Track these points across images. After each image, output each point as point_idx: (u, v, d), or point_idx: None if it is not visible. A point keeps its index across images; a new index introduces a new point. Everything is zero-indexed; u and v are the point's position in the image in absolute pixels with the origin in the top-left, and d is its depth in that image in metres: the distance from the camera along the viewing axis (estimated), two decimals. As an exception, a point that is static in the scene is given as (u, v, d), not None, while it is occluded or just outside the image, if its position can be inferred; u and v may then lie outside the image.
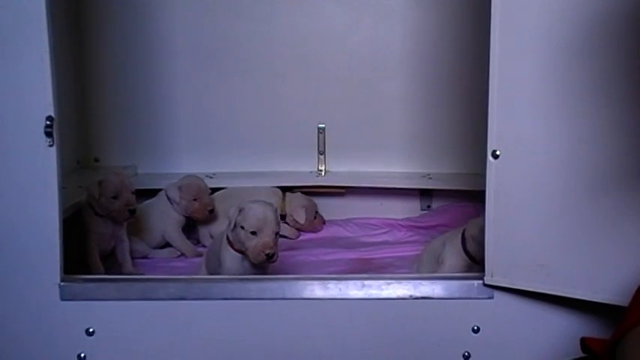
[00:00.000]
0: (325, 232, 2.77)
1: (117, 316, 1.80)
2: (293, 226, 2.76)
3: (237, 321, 1.80)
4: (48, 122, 1.70)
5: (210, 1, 2.89)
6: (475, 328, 1.78)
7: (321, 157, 2.93)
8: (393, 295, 1.79)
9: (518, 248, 1.70)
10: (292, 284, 1.81)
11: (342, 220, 2.82)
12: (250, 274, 1.97)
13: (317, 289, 1.80)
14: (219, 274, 2.02)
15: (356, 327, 1.80)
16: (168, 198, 2.56)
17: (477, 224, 1.96)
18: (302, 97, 2.93)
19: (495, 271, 1.73)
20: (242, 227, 1.95)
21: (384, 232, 2.77)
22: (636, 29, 1.51)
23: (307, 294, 1.80)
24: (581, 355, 1.39)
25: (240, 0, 2.90)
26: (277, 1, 2.91)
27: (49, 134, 1.70)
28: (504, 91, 1.66)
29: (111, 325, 1.80)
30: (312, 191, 2.83)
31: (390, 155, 2.94)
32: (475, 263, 1.97)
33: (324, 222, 2.82)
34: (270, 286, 1.81)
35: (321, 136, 2.93)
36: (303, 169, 2.93)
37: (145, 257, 2.48)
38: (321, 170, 2.93)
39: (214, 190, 2.68)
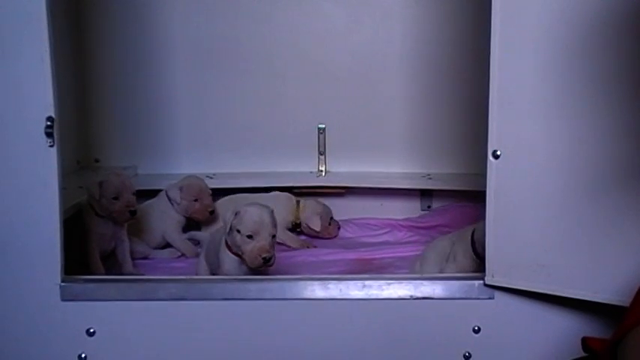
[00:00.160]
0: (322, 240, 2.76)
1: (117, 317, 1.80)
2: (308, 234, 2.73)
3: (237, 321, 1.80)
4: (48, 123, 1.70)
5: (210, 2, 2.89)
6: (476, 328, 1.78)
7: (322, 157, 2.93)
8: (394, 296, 1.79)
9: (519, 248, 1.70)
10: (292, 285, 1.81)
11: (342, 221, 2.82)
12: None
13: (317, 290, 1.80)
14: (218, 271, 2.02)
15: (356, 327, 1.80)
16: (169, 198, 2.56)
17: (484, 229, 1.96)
18: (302, 97, 2.93)
19: (496, 271, 1.73)
20: (238, 231, 1.93)
21: (385, 233, 2.77)
22: (636, 29, 1.51)
23: (308, 294, 1.80)
24: (582, 354, 1.38)
25: (240, 0, 2.90)
26: (277, 1, 2.91)
27: (49, 135, 1.70)
28: (505, 91, 1.66)
29: (111, 325, 1.80)
30: (312, 192, 2.82)
31: (391, 155, 2.94)
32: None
33: (339, 227, 2.78)
34: (271, 286, 1.81)
35: (321, 136, 2.93)
36: (304, 169, 2.93)
37: (145, 258, 2.47)
38: (321, 170, 2.93)
39: (215, 190, 2.68)
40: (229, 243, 1.98)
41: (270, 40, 2.91)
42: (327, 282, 1.80)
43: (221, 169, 2.91)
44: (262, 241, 1.91)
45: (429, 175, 2.89)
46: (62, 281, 1.78)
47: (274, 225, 1.95)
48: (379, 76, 2.91)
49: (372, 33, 2.91)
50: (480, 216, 1.83)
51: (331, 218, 2.75)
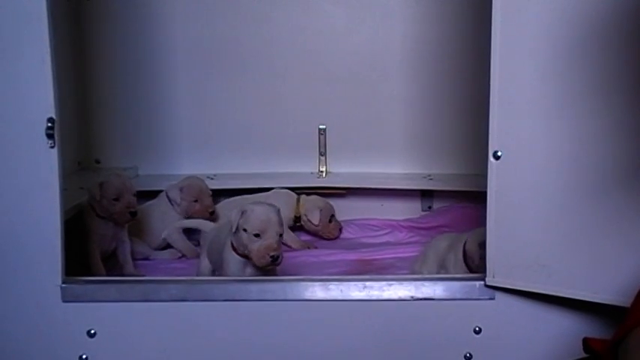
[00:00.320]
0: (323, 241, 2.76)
1: (118, 318, 1.80)
2: (308, 230, 2.73)
3: (238, 322, 1.80)
4: (49, 124, 1.70)
5: (210, 2, 2.89)
6: (477, 328, 1.78)
7: (322, 158, 2.93)
8: (395, 296, 1.79)
9: (520, 249, 1.70)
10: (293, 285, 1.81)
11: (342, 221, 2.81)
12: None
13: (318, 291, 1.79)
14: (221, 270, 2.02)
15: (357, 328, 1.80)
16: (169, 199, 2.56)
17: (475, 241, 1.96)
18: (303, 98, 2.93)
19: (497, 271, 1.73)
20: (244, 230, 1.91)
21: (385, 233, 2.77)
22: (637, 29, 1.51)
23: (308, 295, 1.80)
24: (583, 355, 1.38)
25: (240, 0, 2.90)
26: (277, 2, 2.91)
27: (50, 136, 1.70)
28: (505, 92, 1.66)
29: (112, 326, 1.80)
30: (312, 192, 2.82)
31: (391, 156, 2.94)
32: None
33: (340, 228, 2.77)
34: (272, 287, 1.81)
35: (321, 137, 2.93)
36: (304, 170, 2.93)
37: (146, 259, 2.48)
38: (322, 171, 2.93)
39: (215, 191, 2.68)
40: (235, 243, 1.97)
41: (271, 41, 2.91)
42: (328, 283, 1.80)
43: (222, 169, 2.91)
44: (269, 239, 1.89)
45: (429, 175, 2.89)
46: (63, 282, 1.78)
47: (281, 224, 1.94)
48: (380, 76, 2.91)
49: (372, 33, 2.91)
50: (481, 217, 1.83)
51: (332, 216, 2.74)
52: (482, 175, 1.73)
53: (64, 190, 1.82)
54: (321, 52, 2.92)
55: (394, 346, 1.79)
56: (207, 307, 1.79)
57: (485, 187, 1.71)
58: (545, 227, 1.67)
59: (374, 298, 1.79)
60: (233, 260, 1.97)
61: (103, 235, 2.27)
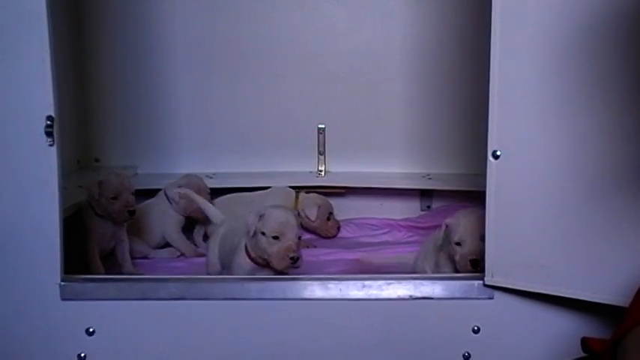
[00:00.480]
0: (322, 239, 2.76)
1: (117, 316, 1.80)
2: (306, 226, 2.70)
3: (237, 321, 1.80)
4: (48, 122, 1.70)
5: (211, 2, 2.90)
6: (475, 328, 1.78)
7: (321, 157, 2.94)
8: (394, 296, 1.79)
9: (519, 248, 1.70)
10: (292, 284, 1.81)
11: (341, 221, 2.82)
12: None
13: (317, 290, 1.80)
14: (232, 270, 2.01)
15: (356, 327, 1.80)
16: (168, 197, 2.56)
17: (457, 217, 1.98)
18: (302, 97, 2.93)
19: (496, 271, 1.73)
20: (263, 233, 1.90)
21: (384, 233, 2.77)
22: (637, 29, 1.51)
23: (307, 294, 1.80)
24: (582, 355, 1.39)
25: (240, 0, 2.90)
26: (278, 2, 2.91)
27: (49, 134, 1.70)
28: (505, 92, 1.66)
29: (111, 324, 1.80)
30: (312, 192, 2.82)
31: (390, 155, 2.94)
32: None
33: (339, 226, 2.77)
34: (271, 286, 1.81)
35: (321, 136, 2.93)
36: (303, 169, 2.93)
37: (145, 257, 2.47)
38: (320, 170, 2.93)
39: (215, 190, 2.68)
40: (252, 247, 1.94)
41: (271, 41, 2.91)
42: (326, 282, 1.80)
43: (221, 168, 2.92)
44: (288, 241, 1.88)
45: (428, 175, 2.89)
46: (62, 280, 1.78)
47: (299, 226, 1.93)
48: (379, 76, 2.92)
49: (372, 33, 2.92)
50: (480, 217, 1.83)
51: (330, 214, 2.74)
52: (482, 175, 1.73)
53: (64, 189, 1.81)
54: (321, 52, 2.92)
55: (393, 345, 1.79)
56: (206, 305, 1.80)
57: (485, 186, 1.71)
58: (544, 227, 1.67)
59: (373, 297, 1.79)
60: (244, 266, 1.96)
61: (101, 234, 2.27)
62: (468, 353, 1.79)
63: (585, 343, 1.36)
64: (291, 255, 1.87)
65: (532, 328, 1.76)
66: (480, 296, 1.77)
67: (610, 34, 1.54)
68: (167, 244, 2.57)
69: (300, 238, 1.92)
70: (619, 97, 1.55)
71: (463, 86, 2.83)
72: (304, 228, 2.71)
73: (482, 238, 1.84)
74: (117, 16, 2.88)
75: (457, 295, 1.78)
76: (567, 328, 1.73)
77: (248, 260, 1.96)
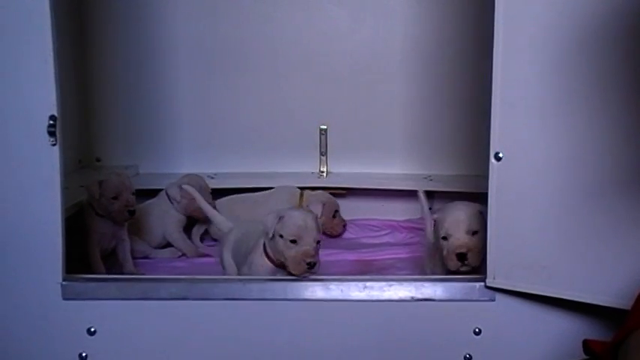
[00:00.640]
0: (324, 237, 2.75)
1: (118, 316, 1.80)
2: None
3: (238, 321, 1.80)
4: (51, 121, 1.70)
5: (212, 2, 2.90)
6: (476, 330, 1.78)
7: (323, 158, 2.94)
8: (395, 297, 1.79)
9: (520, 250, 1.70)
10: (294, 285, 1.81)
11: (343, 221, 2.82)
12: None
13: (318, 290, 1.80)
14: (248, 271, 1.99)
15: (357, 328, 1.80)
16: (169, 197, 2.56)
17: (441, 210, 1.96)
18: (304, 98, 2.94)
19: (497, 273, 1.73)
20: (281, 236, 1.87)
21: (385, 234, 2.77)
22: (638, 32, 1.51)
23: (309, 295, 1.80)
24: (583, 357, 1.39)
25: (242, 1, 2.90)
26: (279, 2, 2.91)
27: (51, 133, 1.70)
28: (507, 93, 1.66)
29: (112, 324, 1.80)
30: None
31: (392, 156, 2.94)
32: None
33: (344, 225, 2.76)
34: (272, 286, 1.81)
35: (322, 137, 2.93)
36: (305, 170, 2.93)
37: (146, 257, 2.48)
38: (322, 171, 2.94)
39: (216, 190, 2.68)
40: (270, 250, 1.92)
41: (273, 41, 2.91)
42: (328, 283, 1.80)
43: (222, 169, 2.92)
44: (306, 246, 1.84)
45: (430, 176, 2.89)
46: (63, 280, 1.78)
47: (319, 230, 1.89)
48: (381, 77, 2.92)
49: (373, 34, 2.92)
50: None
51: (336, 212, 2.73)
52: (483, 176, 1.73)
53: (65, 189, 1.82)
54: (323, 53, 2.92)
55: (394, 346, 1.79)
56: (207, 305, 1.80)
57: (486, 188, 1.71)
58: (546, 229, 1.67)
59: (374, 298, 1.79)
60: (264, 267, 1.93)
61: (102, 234, 2.27)
62: (469, 355, 1.79)
63: (587, 345, 1.36)
64: (309, 260, 1.82)
65: (533, 330, 1.76)
66: (481, 298, 1.77)
67: (612, 36, 1.54)
68: (168, 244, 2.57)
69: (318, 242, 1.88)
70: (621, 99, 1.55)
71: (465, 87, 2.83)
72: None
73: (470, 232, 1.86)
74: (119, 16, 2.89)
75: (458, 296, 1.78)
76: (568, 330, 1.73)
77: (267, 261, 1.93)
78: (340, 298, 1.79)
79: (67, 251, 1.80)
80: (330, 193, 2.81)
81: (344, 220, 2.77)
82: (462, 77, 2.84)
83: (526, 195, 1.68)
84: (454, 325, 1.78)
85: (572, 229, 1.64)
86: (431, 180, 2.85)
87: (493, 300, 1.76)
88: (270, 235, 1.88)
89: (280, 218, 1.88)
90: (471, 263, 1.84)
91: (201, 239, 2.67)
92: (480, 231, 1.86)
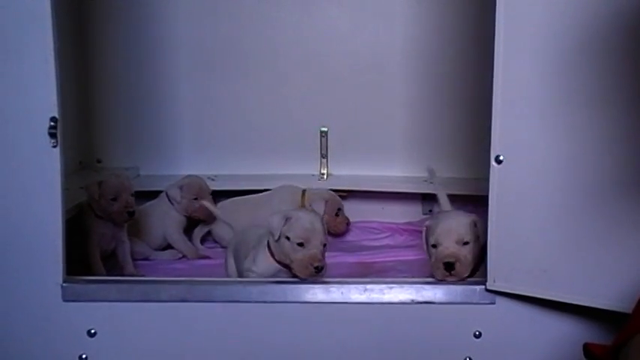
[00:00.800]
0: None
1: (118, 318, 1.80)
2: None
3: (238, 324, 1.80)
4: (52, 123, 1.70)
5: (213, 3, 2.90)
6: (477, 333, 1.78)
7: (324, 160, 2.94)
8: (395, 300, 1.79)
9: (521, 253, 1.70)
10: (294, 287, 1.81)
11: (343, 224, 2.81)
12: None
13: (319, 293, 1.79)
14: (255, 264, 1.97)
15: (358, 331, 1.80)
16: (169, 198, 2.56)
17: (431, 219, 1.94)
18: (304, 100, 2.93)
19: (497, 276, 1.73)
20: (287, 238, 1.85)
21: (386, 236, 2.77)
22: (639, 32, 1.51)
23: (309, 297, 1.80)
24: (584, 360, 1.39)
25: (243, 2, 2.90)
26: (280, 4, 2.91)
27: (52, 135, 1.70)
28: (508, 96, 1.66)
29: (112, 326, 1.80)
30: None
31: (392, 159, 2.94)
32: None
33: (348, 223, 2.73)
34: (272, 289, 1.81)
35: (323, 139, 2.93)
36: (305, 172, 2.93)
37: (146, 259, 2.47)
38: (323, 173, 2.93)
39: (217, 192, 2.68)
40: (275, 251, 1.90)
41: (274, 43, 2.91)
42: (328, 285, 1.80)
43: (223, 170, 2.91)
44: (313, 249, 1.81)
45: (431, 179, 2.88)
46: (64, 282, 1.78)
47: (325, 232, 1.87)
48: (381, 79, 2.92)
49: (374, 35, 2.92)
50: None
51: (339, 209, 2.69)
52: (484, 179, 1.73)
53: (66, 190, 1.82)
54: (323, 54, 2.92)
55: (394, 349, 1.79)
56: (207, 308, 1.80)
57: (487, 191, 1.71)
58: (546, 232, 1.67)
59: (374, 301, 1.79)
60: (267, 263, 1.91)
61: (102, 235, 2.27)
62: (470, 358, 1.78)
63: (587, 348, 1.36)
64: (315, 264, 1.80)
65: (534, 333, 1.76)
66: (481, 301, 1.77)
67: (613, 37, 1.54)
68: (168, 246, 2.57)
69: (325, 245, 1.86)
70: (623, 101, 1.55)
71: (465, 89, 2.83)
72: None
73: (461, 242, 1.83)
74: (120, 18, 2.89)
75: (459, 299, 1.78)
76: (569, 333, 1.73)
77: (272, 260, 1.91)
78: (340, 300, 1.79)
79: (68, 253, 1.80)
80: (332, 193, 2.82)
81: (347, 219, 2.74)
82: (462, 79, 2.84)
83: (526, 198, 1.68)
84: (454, 328, 1.78)
85: (573, 232, 1.64)
86: (431, 182, 2.84)
87: (493, 303, 1.76)
88: (276, 237, 1.87)
89: (287, 219, 1.86)
90: (458, 274, 1.80)
91: (202, 241, 2.67)
92: (471, 242, 1.83)
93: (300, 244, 1.83)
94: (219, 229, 2.66)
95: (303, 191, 2.72)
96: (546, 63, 1.62)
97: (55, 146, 1.71)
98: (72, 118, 2.71)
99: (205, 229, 2.67)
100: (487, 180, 1.71)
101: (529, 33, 1.63)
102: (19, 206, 1.75)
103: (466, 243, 1.83)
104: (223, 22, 2.91)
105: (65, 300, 1.78)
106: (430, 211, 2.92)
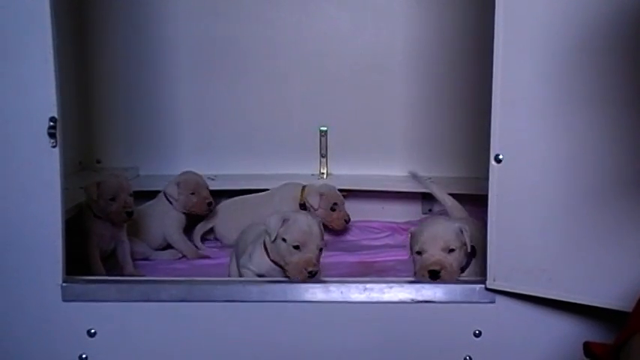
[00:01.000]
0: (326, 235, 2.75)
1: (118, 318, 1.80)
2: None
3: (238, 323, 1.80)
4: (51, 123, 1.70)
5: (213, 3, 2.90)
6: (476, 332, 1.78)
7: (323, 159, 2.94)
8: (395, 299, 1.79)
9: (520, 252, 1.70)
10: (294, 287, 1.81)
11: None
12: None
13: (319, 292, 1.79)
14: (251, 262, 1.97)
15: (357, 330, 1.79)
16: (167, 195, 2.55)
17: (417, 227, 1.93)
18: (304, 99, 2.94)
19: (497, 275, 1.73)
20: (284, 240, 1.84)
21: (386, 236, 2.77)
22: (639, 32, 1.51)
23: (309, 297, 1.79)
24: (584, 359, 1.38)
25: (243, 2, 2.91)
26: (280, 4, 2.92)
27: (52, 135, 1.70)
28: (507, 96, 1.66)
29: (112, 326, 1.80)
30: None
31: (392, 158, 2.94)
32: None
33: (347, 219, 2.69)
34: (272, 288, 1.81)
35: (323, 138, 2.93)
36: (305, 171, 2.93)
37: (146, 259, 2.48)
38: (322, 173, 2.94)
39: (216, 192, 2.68)
40: (271, 252, 1.90)
41: (273, 43, 2.92)
42: (328, 285, 1.80)
43: (222, 170, 2.92)
44: (309, 253, 1.81)
45: (430, 178, 2.87)
46: (63, 281, 1.78)
47: (322, 236, 1.86)
48: (381, 79, 2.92)
49: (374, 36, 2.92)
50: (481, 220, 1.83)
51: (335, 204, 2.66)
52: (484, 179, 1.74)
53: (65, 190, 1.82)
54: (323, 54, 2.93)
55: (394, 348, 1.79)
56: (207, 307, 1.79)
57: (487, 190, 1.71)
58: (546, 231, 1.67)
59: (374, 300, 1.79)
60: (263, 261, 1.91)
61: (101, 235, 2.27)
62: (470, 357, 1.78)
63: (587, 347, 1.36)
64: (310, 269, 1.79)
65: (533, 332, 1.76)
66: (481, 300, 1.77)
67: (613, 37, 1.54)
68: (168, 246, 2.57)
69: (321, 249, 1.86)
70: (622, 100, 1.55)
71: (465, 89, 2.83)
72: None
73: (447, 249, 1.82)
74: (119, 18, 2.89)
75: (458, 298, 1.78)
76: (569, 332, 1.73)
77: (267, 259, 1.91)
78: (340, 300, 1.79)
79: (67, 253, 1.80)
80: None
81: (347, 215, 2.71)
82: (462, 79, 2.84)
83: (526, 197, 1.68)
84: (454, 327, 1.78)
85: (573, 231, 1.64)
86: (431, 182, 2.84)
87: (493, 302, 1.76)
88: (273, 238, 1.86)
89: (284, 221, 1.85)
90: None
91: (203, 240, 2.67)
92: (457, 249, 1.83)
93: (296, 247, 1.82)
94: (221, 227, 2.67)
95: (303, 187, 2.72)
96: (546, 62, 1.62)
97: (54, 146, 1.71)
98: (71, 118, 2.71)
99: (206, 227, 2.67)
100: (487, 179, 1.71)
101: (528, 32, 1.63)
102: (19, 207, 1.75)
103: (452, 250, 1.82)
104: (223, 23, 2.91)
105: (65, 300, 1.78)
106: (430, 210, 2.92)
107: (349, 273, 2.32)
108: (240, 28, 2.91)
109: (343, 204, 2.70)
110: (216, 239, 2.72)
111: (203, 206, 2.55)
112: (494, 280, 1.74)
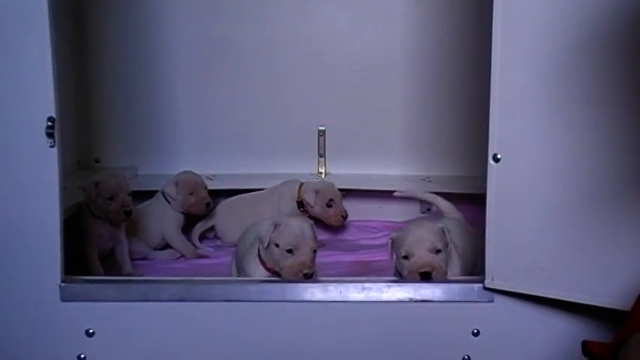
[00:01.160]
0: (324, 234, 2.76)
1: (117, 317, 1.79)
2: (311, 213, 2.61)
3: (237, 323, 1.80)
4: (49, 123, 1.70)
5: (212, 3, 2.90)
6: (475, 331, 1.78)
7: (322, 159, 2.94)
8: (393, 298, 1.79)
9: (519, 252, 1.70)
10: (292, 286, 1.81)
11: (342, 223, 2.81)
12: None
13: (317, 292, 1.79)
14: (246, 273, 1.97)
15: (356, 330, 1.80)
16: (165, 195, 2.55)
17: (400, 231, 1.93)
18: (303, 99, 2.94)
19: (496, 274, 1.73)
20: (277, 245, 1.84)
21: (384, 235, 2.76)
22: (637, 36, 1.51)
23: (307, 296, 1.80)
24: (582, 358, 1.39)
25: (242, 2, 2.91)
26: (279, 4, 2.92)
27: (50, 135, 1.70)
28: (505, 95, 1.66)
29: (111, 326, 1.80)
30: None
31: (391, 158, 2.94)
32: None
33: (345, 216, 2.67)
34: (271, 288, 1.81)
35: (321, 138, 2.93)
36: (304, 171, 2.93)
37: (144, 258, 2.48)
38: (321, 173, 2.94)
39: (215, 192, 2.68)
40: (265, 258, 1.89)
41: (272, 43, 2.92)
42: (326, 284, 1.80)
43: (221, 170, 2.92)
44: (303, 256, 1.81)
45: (428, 177, 2.89)
46: (62, 281, 1.78)
47: (315, 239, 1.87)
48: (380, 78, 2.92)
49: (372, 36, 2.92)
50: (480, 219, 1.83)
51: (331, 200, 2.64)
52: (482, 178, 1.73)
53: (64, 190, 1.82)
54: (321, 54, 2.93)
55: (393, 347, 1.79)
56: (206, 307, 1.79)
57: (485, 189, 1.71)
58: (544, 230, 1.67)
59: (373, 299, 1.79)
60: (259, 275, 1.90)
61: (99, 235, 2.27)
62: (468, 356, 1.78)
63: (586, 346, 1.36)
64: (305, 271, 1.79)
65: (532, 331, 1.76)
66: (479, 299, 1.77)
67: (610, 37, 1.54)
68: (167, 245, 2.57)
69: (315, 251, 1.85)
70: (620, 100, 1.56)
71: (463, 89, 2.83)
72: (310, 216, 2.66)
73: (434, 250, 1.82)
74: (118, 18, 2.89)
75: (457, 298, 1.78)
76: (567, 331, 1.73)
77: (261, 267, 1.91)
78: (339, 299, 1.79)
79: (66, 252, 1.80)
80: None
81: (344, 211, 2.68)
82: (460, 79, 2.85)
83: (524, 196, 1.68)
84: (453, 327, 1.78)
85: (571, 230, 1.64)
86: (429, 181, 2.85)
87: (492, 301, 1.76)
88: (266, 244, 1.86)
89: (276, 226, 1.85)
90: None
91: (201, 239, 2.67)
92: (442, 250, 1.83)
93: (290, 251, 1.82)
94: (221, 225, 2.67)
95: (301, 185, 2.71)
96: (544, 62, 1.62)
97: (52, 146, 1.71)
98: (70, 117, 2.71)
99: (205, 226, 2.67)
100: (485, 178, 1.71)
101: (526, 32, 1.63)
102: (17, 206, 1.74)
103: (439, 251, 1.83)
104: (222, 23, 2.91)
105: (63, 300, 1.78)
106: (428, 209, 2.92)
107: (347, 272, 2.32)
108: (239, 29, 2.91)
109: (340, 200, 2.68)
110: (217, 238, 2.71)
111: (201, 206, 2.55)
112: (492, 280, 1.74)
